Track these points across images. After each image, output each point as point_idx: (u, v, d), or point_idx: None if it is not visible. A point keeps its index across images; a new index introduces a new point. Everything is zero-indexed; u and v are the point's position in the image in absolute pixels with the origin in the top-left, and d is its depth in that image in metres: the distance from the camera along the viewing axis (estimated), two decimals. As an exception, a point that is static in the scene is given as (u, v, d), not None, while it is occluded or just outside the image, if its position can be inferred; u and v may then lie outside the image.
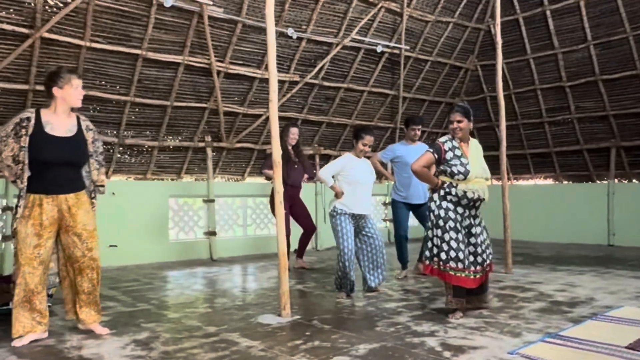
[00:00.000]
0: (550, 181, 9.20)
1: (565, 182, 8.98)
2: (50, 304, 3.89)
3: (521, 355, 2.80)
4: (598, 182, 8.51)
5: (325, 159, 8.29)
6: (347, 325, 3.55)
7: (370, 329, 3.41)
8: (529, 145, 9.05)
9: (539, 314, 3.73)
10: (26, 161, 3.11)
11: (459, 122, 3.69)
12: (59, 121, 3.23)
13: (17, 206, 3.15)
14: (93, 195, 3.40)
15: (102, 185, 3.48)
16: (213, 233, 6.99)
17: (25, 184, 3.12)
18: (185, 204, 7.08)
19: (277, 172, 3.87)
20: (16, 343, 3.09)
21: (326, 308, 4.07)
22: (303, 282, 5.18)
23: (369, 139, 4.42)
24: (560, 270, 5.71)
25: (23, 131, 3.11)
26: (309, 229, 6.01)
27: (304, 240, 6.08)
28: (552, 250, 7.56)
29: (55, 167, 3.17)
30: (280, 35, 6.65)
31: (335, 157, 8.33)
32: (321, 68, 7.38)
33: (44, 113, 3.22)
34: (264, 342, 3.12)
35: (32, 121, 3.14)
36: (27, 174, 3.12)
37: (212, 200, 7.07)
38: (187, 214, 7.06)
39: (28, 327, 3.15)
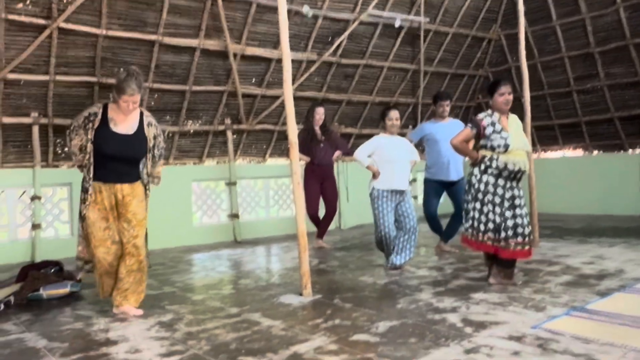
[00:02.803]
0: (580, 152, 8.92)
1: (595, 152, 8.69)
2: (77, 290, 4.01)
3: (545, 330, 2.75)
4: (630, 150, 8.21)
5: (347, 137, 8.23)
6: (368, 303, 3.54)
7: (392, 307, 3.40)
8: (556, 116, 8.77)
9: (565, 288, 3.65)
10: (92, 152, 3.36)
11: (510, 93, 3.78)
12: (122, 118, 3.41)
13: (84, 193, 3.40)
14: (148, 187, 3.60)
15: (158, 178, 3.69)
16: (236, 215, 7.05)
17: (92, 173, 3.37)
18: (207, 188, 7.14)
19: (294, 153, 3.85)
20: (117, 310, 3.44)
21: (348, 286, 4.07)
22: (326, 262, 5.19)
23: (393, 114, 4.56)
24: (590, 243, 5.56)
25: (90, 124, 3.35)
26: (330, 210, 6.03)
27: (325, 222, 6.09)
28: (582, 222, 7.38)
29: (115, 161, 3.39)
30: (295, 13, 6.57)
31: (357, 135, 8.28)
32: (339, 45, 7.26)
33: (110, 109, 3.42)
34: (285, 322, 3.14)
35: (99, 116, 3.38)
36: (92, 163, 3.37)
37: (234, 183, 7.12)
38: (210, 197, 7.13)
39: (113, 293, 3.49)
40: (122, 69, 3.51)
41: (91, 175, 3.36)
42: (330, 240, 6.49)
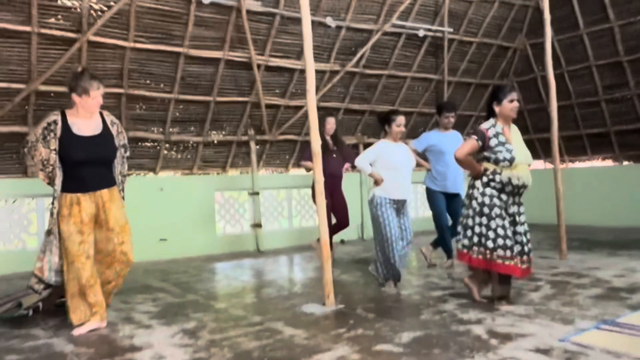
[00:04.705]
0: (609, 162, 8.72)
1: (625, 163, 8.48)
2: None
3: (573, 343, 2.67)
4: (662, 161, 7.99)
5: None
6: (392, 313, 3.51)
7: (415, 317, 3.35)
8: (584, 126, 8.60)
9: (594, 301, 3.55)
10: (57, 163, 3.24)
11: (518, 100, 3.63)
12: (84, 121, 3.33)
13: (52, 206, 3.29)
14: (121, 188, 3.51)
15: (124, 176, 3.59)
16: (259, 225, 7.09)
17: (59, 185, 3.26)
18: (231, 197, 7.21)
19: (317, 163, 3.86)
20: (75, 332, 3.26)
21: (370, 297, 4.03)
22: (348, 272, 5.17)
23: (401, 119, 4.36)
24: (620, 255, 5.40)
25: (51, 134, 3.24)
26: (343, 224, 5.87)
27: (333, 230, 5.84)
28: (611, 234, 7.18)
29: (88, 166, 3.29)
30: (319, 24, 6.62)
31: (380, 145, 8.24)
32: (362, 56, 7.29)
33: (69, 114, 3.32)
34: (307, 331, 3.13)
35: (59, 124, 3.26)
36: (59, 175, 3.26)
37: (257, 193, 7.16)
38: (233, 207, 7.19)
39: (87, 316, 3.32)
40: (71, 74, 3.30)
41: (58, 188, 3.24)
42: (352, 250, 6.46)
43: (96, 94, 3.27)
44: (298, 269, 5.74)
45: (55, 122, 3.26)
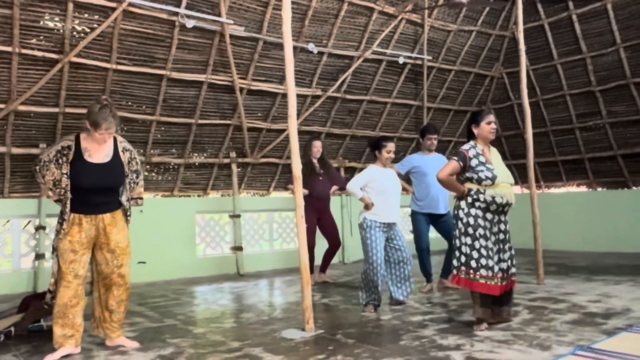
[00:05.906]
0: (583, 188, 8.93)
1: (599, 189, 8.70)
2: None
3: (550, 369, 2.70)
4: (634, 188, 8.21)
5: (351, 171, 8.27)
6: (372, 339, 3.50)
7: (395, 343, 3.35)
8: (559, 152, 8.82)
9: (571, 326, 3.59)
10: (68, 186, 3.27)
11: (495, 123, 3.71)
12: (97, 148, 3.35)
13: (59, 225, 3.30)
14: (129, 214, 3.51)
15: (140, 198, 3.63)
16: (239, 248, 7.04)
17: (69, 206, 3.28)
18: (211, 220, 7.16)
19: (298, 187, 3.89)
20: (48, 358, 3.17)
21: (351, 322, 4.02)
22: (329, 296, 5.15)
23: (391, 146, 4.48)
24: (596, 281, 5.50)
25: (64, 159, 3.27)
26: (334, 244, 5.97)
27: (329, 256, 6.04)
28: (587, 259, 7.31)
29: (94, 192, 3.31)
30: (301, 50, 6.72)
31: (360, 169, 8.31)
32: (343, 81, 7.40)
33: (83, 139, 3.34)
34: (286, 357, 3.10)
35: (73, 149, 3.30)
36: (69, 197, 3.28)
37: (238, 216, 7.13)
38: (214, 229, 7.14)
39: (59, 342, 3.25)
40: (94, 102, 3.28)
41: (68, 209, 3.26)
42: (334, 274, 6.45)
43: (102, 132, 3.26)
44: (278, 293, 5.70)
45: (69, 147, 3.29)
